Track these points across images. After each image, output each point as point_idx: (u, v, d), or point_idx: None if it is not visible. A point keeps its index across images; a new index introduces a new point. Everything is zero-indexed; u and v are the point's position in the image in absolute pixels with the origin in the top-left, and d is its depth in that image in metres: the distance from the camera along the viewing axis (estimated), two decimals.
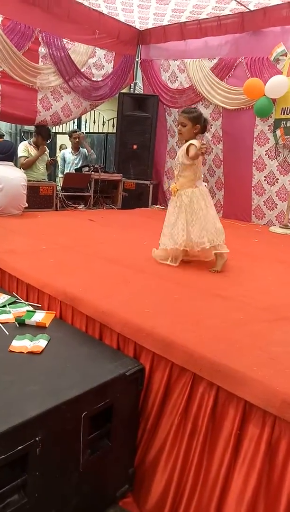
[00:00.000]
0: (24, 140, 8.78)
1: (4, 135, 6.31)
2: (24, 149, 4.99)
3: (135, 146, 5.62)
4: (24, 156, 4.96)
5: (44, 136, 4.99)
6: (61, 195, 4.78)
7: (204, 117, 2.57)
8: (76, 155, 5.80)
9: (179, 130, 2.54)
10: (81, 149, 5.85)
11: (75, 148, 5.78)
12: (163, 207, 3.34)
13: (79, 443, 1.30)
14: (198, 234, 2.46)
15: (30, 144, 5.03)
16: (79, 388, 1.29)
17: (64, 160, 5.83)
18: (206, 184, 2.61)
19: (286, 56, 4.34)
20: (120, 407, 1.45)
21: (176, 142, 5.92)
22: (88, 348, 1.61)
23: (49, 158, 5.33)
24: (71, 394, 1.26)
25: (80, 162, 5.76)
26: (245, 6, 4.46)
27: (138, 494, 1.54)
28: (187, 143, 2.46)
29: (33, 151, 4.99)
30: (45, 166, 5.21)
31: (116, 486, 1.52)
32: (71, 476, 1.31)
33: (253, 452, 1.21)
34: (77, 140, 5.70)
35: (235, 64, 4.83)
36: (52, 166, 5.68)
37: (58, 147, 8.68)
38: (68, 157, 5.83)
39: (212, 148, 2.64)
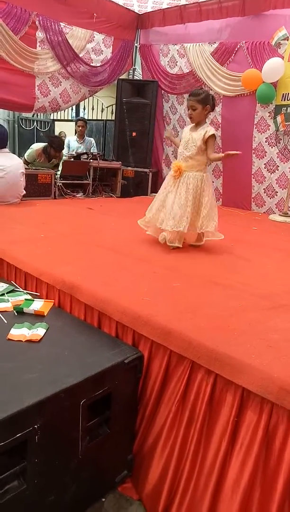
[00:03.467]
0: (23, 128, 8.62)
1: None
2: (33, 156, 4.85)
3: (134, 134, 5.55)
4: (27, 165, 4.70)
5: (55, 147, 4.84)
6: (60, 183, 4.74)
7: (211, 95, 2.59)
8: (81, 143, 5.72)
9: (189, 115, 2.56)
10: (86, 138, 5.78)
11: (80, 136, 5.71)
12: None
13: (78, 430, 1.31)
14: (202, 220, 2.53)
15: (44, 154, 4.87)
16: (78, 376, 1.29)
17: (68, 147, 5.76)
18: None
19: (287, 40, 4.25)
20: (119, 395, 1.45)
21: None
22: (86, 336, 1.61)
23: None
24: (70, 382, 1.26)
25: (85, 150, 5.70)
26: None
27: (136, 479, 1.56)
28: (208, 133, 2.49)
29: (42, 160, 4.89)
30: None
31: (115, 472, 1.54)
32: (70, 463, 1.32)
33: (250, 439, 1.22)
34: (80, 128, 5.63)
35: (236, 49, 4.75)
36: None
37: (56, 135, 8.60)
38: (72, 145, 5.76)
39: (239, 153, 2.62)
